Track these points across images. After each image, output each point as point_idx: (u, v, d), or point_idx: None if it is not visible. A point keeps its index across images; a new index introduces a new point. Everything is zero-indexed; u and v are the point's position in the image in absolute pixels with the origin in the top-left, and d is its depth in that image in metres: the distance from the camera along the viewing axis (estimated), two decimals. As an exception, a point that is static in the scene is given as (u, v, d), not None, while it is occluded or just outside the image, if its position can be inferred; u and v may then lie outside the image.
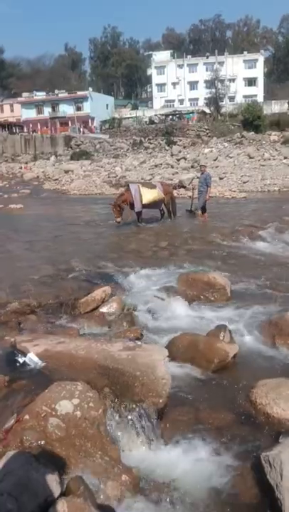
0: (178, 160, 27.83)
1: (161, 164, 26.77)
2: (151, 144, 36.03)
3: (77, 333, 3.88)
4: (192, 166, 24.75)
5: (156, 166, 26.78)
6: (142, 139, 37.07)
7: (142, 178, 21.94)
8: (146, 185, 10.45)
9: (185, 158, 28.27)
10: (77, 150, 37.32)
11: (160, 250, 7.52)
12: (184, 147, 33.35)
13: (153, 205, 10.07)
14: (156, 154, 32.20)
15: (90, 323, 4.27)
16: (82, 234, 9.16)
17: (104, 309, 4.51)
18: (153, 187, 10.10)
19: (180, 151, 31.29)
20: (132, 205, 9.78)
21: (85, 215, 12.28)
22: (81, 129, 45.17)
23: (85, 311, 4.48)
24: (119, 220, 9.57)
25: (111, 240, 8.57)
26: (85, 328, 4.14)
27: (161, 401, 2.75)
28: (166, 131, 36.88)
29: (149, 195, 9.81)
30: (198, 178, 11.42)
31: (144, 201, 9.76)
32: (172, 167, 25.48)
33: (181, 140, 34.96)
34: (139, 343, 3.41)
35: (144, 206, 9.87)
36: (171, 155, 30.56)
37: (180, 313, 4.58)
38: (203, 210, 10.61)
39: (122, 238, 8.63)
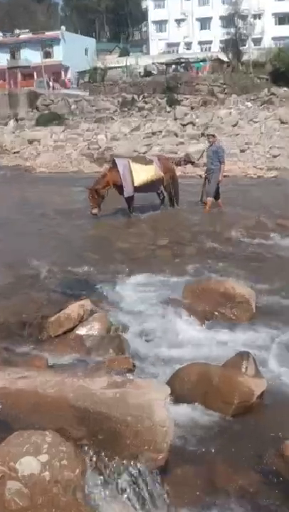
0: (183, 126, 27.96)
1: (160, 132, 26.88)
2: (146, 103, 36.15)
3: (46, 364, 3.92)
4: (203, 134, 24.54)
5: (153, 133, 26.94)
6: (135, 96, 37.13)
7: (134, 151, 21.87)
8: (140, 160, 10.53)
9: (193, 124, 28.39)
10: (46, 112, 37.20)
11: (159, 250, 7.60)
12: (192, 108, 33.41)
13: (149, 187, 10.15)
14: (154, 118, 32.30)
15: (62, 351, 4.32)
16: (54, 227, 9.25)
17: (82, 331, 4.57)
18: (148, 163, 10.18)
19: (186, 114, 31.36)
20: (119, 189, 9.84)
21: (56, 201, 12.38)
22: (51, 83, 45.10)
23: (56, 333, 4.54)
24: (95, 211, 9.64)
25: (92, 236, 8.66)
26: (57, 358, 4.20)
27: (161, 457, 2.78)
28: (167, 87, 37.00)
29: (143, 175, 9.88)
30: (205, 151, 11.41)
31: (137, 182, 9.82)
32: (176, 135, 25.58)
33: (188, 98, 35.05)
34: (130, 377, 3.46)
35: (137, 189, 9.93)
36: (175, 119, 30.60)
37: (187, 336, 4.65)
38: (217, 195, 10.58)
39: (107, 233, 8.70)
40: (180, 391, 3.54)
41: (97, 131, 29.93)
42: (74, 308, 4.74)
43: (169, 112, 33.62)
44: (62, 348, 4.37)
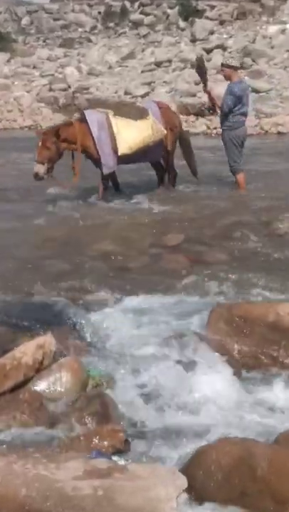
0: (207, 52, 26.71)
1: (169, 61, 26.10)
2: (146, 15, 34.91)
3: None
4: (240, 66, 23.75)
5: (158, 64, 26.17)
6: (127, 3, 35.99)
7: (125, 94, 21.35)
8: (126, 111, 9.98)
9: (224, 48, 27.34)
10: None
11: (167, 253, 7.45)
12: (222, 23, 32.21)
13: (143, 154, 9.83)
14: (160, 39, 31.38)
15: (8, 418, 4.10)
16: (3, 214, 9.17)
17: (41, 386, 4.39)
18: (141, 115, 9.73)
19: (212, 32, 30.45)
20: (93, 157, 9.62)
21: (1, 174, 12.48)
22: None
23: None
24: (40, 169, 9.23)
25: (60, 233, 8.47)
26: (0, 429, 4.01)
27: None
28: None
29: (133, 135, 9.48)
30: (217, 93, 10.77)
31: (124, 149, 9.46)
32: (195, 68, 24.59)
33: (214, 7, 33.58)
34: (120, 461, 3.41)
35: (124, 160, 9.67)
36: (193, 40, 29.86)
37: (213, 395, 4.42)
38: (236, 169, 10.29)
39: (84, 227, 8.58)
40: (204, 484, 3.38)
41: (64, 60, 29.11)
42: (28, 350, 4.50)
43: (183, 30, 32.61)
44: (7, 414, 4.12)
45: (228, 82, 9.96)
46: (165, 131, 9.77)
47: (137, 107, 10.50)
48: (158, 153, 10.07)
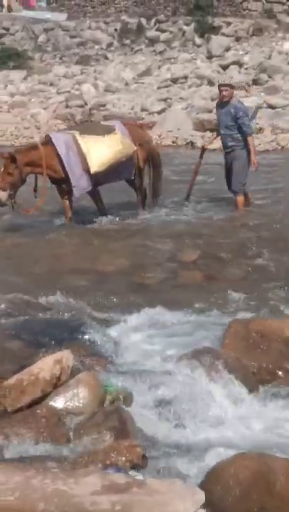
0: (223, 68, 26.99)
1: (185, 78, 26.07)
2: (163, 32, 34.76)
3: (0, 456, 3.79)
4: (254, 81, 24.21)
5: (174, 80, 26.17)
6: (143, 21, 35.84)
7: (141, 110, 21.31)
8: (92, 129, 9.70)
9: (240, 64, 27.46)
10: None
11: (183, 269, 7.45)
12: (237, 39, 32.22)
13: (116, 170, 9.40)
14: (176, 55, 31.33)
15: (26, 433, 4.09)
16: (11, 235, 9.12)
17: (58, 402, 4.37)
18: (108, 130, 9.39)
19: (228, 49, 30.47)
20: (60, 181, 9.22)
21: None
22: (5, 1, 44.06)
23: (14, 406, 4.31)
24: (4, 197, 8.70)
25: (74, 246, 8.55)
26: (17, 446, 3.97)
27: None
28: (196, 4, 35.57)
29: (104, 150, 9.08)
30: (218, 112, 10.42)
31: (97, 166, 9.03)
32: (211, 83, 24.46)
33: (230, 23, 33.67)
34: (138, 476, 3.39)
35: (99, 178, 9.28)
36: (209, 57, 29.90)
37: (230, 411, 4.45)
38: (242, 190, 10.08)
39: (98, 243, 8.59)
40: (222, 499, 3.38)
41: (80, 77, 29.07)
42: (45, 365, 4.49)
43: (199, 46, 32.55)
44: (25, 429, 4.11)
45: (231, 102, 9.72)
46: (135, 147, 9.47)
47: (102, 125, 10.05)
48: (131, 170, 9.75)
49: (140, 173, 9.89)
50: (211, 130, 15.65)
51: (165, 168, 10.43)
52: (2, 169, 8.70)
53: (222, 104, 9.93)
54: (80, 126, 11.15)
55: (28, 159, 8.87)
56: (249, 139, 9.74)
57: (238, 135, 9.71)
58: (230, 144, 9.80)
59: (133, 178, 9.88)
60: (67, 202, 9.35)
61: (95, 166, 8.96)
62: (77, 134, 9.23)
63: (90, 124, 11.59)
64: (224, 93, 9.81)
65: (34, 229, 9.29)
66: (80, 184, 9.10)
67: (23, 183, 8.97)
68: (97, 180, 9.27)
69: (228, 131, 9.78)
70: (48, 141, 9.25)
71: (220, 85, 10.23)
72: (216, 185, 10.57)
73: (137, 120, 19.11)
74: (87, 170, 9.00)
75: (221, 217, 9.76)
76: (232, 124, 9.70)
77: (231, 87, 10.00)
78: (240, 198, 9.96)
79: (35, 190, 9.21)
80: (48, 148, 9.02)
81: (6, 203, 8.76)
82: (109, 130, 9.33)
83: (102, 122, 10.99)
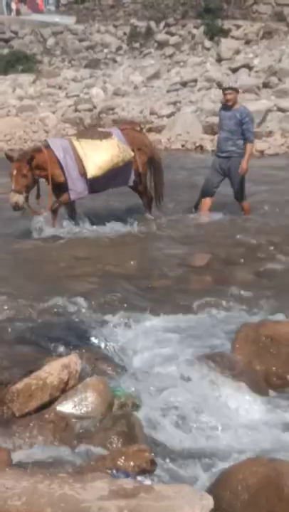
0: (233, 71, 26.90)
1: (195, 81, 25.98)
2: (172, 35, 34.44)
3: (7, 461, 3.75)
4: (265, 84, 24.03)
5: (183, 83, 26.07)
6: (152, 24, 35.66)
7: (150, 114, 21.43)
8: (88, 133, 9.75)
9: (249, 67, 27.27)
10: (6, 52, 36.04)
11: (194, 274, 7.43)
12: (247, 42, 31.94)
13: (114, 176, 9.34)
14: (185, 59, 31.16)
15: (34, 439, 4.11)
16: (17, 238, 9.07)
17: (66, 407, 4.37)
18: (105, 136, 9.35)
19: (238, 52, 30.22)
20: (59, 188, 9.16)
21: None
22: (13, 5, 43.85)
23: (23, 410, 4.32)
24: (17, 199, 8.49)
25: (82, 250, 8.49)
26: (25, 450, 4.00)
27: None
28: (205, 7, 35.38)
29: (101, 157, 9.05)
30: (222, 115, 10.32)
31: (94, 171, 9.01)
32: (220, 86, 24.10)
33: (240, 26, 33.35)
34: (146, 481, 3.40)
35: (96, 184, 9.23)
36: (219, 60, 29.75)
37: (241, 414, 4.45)
38: (241, 193, 10.00)
39: (108, 246, 8.58)
40: (230, 504, 3.37)
41: (89, 81, 28.91)
42: (53, 370, 4.50)
43: (208, 50, 32.27)
44: (33, 434, 4.14)
45: (234, 109, 9.70)
46: (132, 153, 9.39)
47: (99, 131, 10.01)
48: (129, 176, 9.69)
49: (141, 177, 9.82)
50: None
51: (174, 172, 10.41)
52: (15, 172, 8.55)
53: (226, 107, 9.92)
54: (77, 132, 10.99)
55: (36, 162, 8.79)
56: (249, 145, 9.74)
57: (240, 141, 9.67)
58: (230, 148, 9.74)
59: (132, 184, 9.81)
60: (55, 208, 9.24)
61: (92, 170, 8.93)
62: (73, 138, 9.28)
63: (88, 131, 11.53)
64: (228, 96, 9.80)
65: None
66: (77, 188, 9.03)
67: (35, 185, 8.91)
68: (94, 185, 9.20)
69: (230, 135, 9.74)
70: (46, 146, 9.15)
71: (224, 89, 10.27)
72: (224, 188, 10.52)
73: (145, 123, 19.15)
74: (84, 174, 8.97)
75: (231, 221, 9.77)
76: (236, 129, 9.66)
77: (236, 90, 10.02)
78: (246, 204, 9.96)
79: (37, 197, 9.09)
80: (49, 151, 8.95)
81: (24, 205, 8.65)
82: (106, 135, 9.30)
83: (100, 129, 10.88)
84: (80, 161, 8.96)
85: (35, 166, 8.75)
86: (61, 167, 8.93)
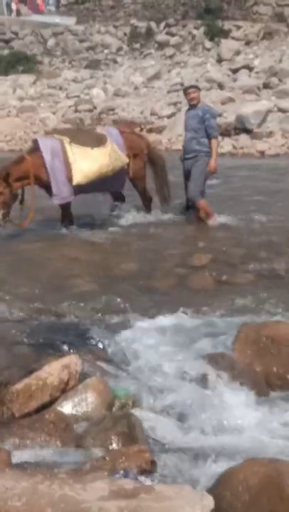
0: (233, 71, 27.19)
1: (196, 81, 25.88)
2: (172, 35, 34.75)
3: (7, 462, 3.74)
4: (265, 85, 24.17)
5: (184, 84, 25.90)
6: (153, 24, 35.86)
7: (151, 115, 21.34)
8: (83, 138, 9.36)
9: (250, 68, 27.51)
10: (6, 52, 36.31)
11: (194, 274, 7.40)
12: (248, 43, 32.23)
13: (101, 183, 9.15)
14: (185, 59, 31.43)
15: (34, 438, 4.11)
16: (19, 240, 9.12)
17: (66, 407, 4.39)
18: (99, 142, 9.10)
19: (238, 53, 30.48)
20: (45, 186, 9.09)
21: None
22: (14, 6, 43.99)
23: (22, 411, 4.32)
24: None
25: (84, 251, 8.53)
26: (25, 451, 3.99)
27: None
28: (206, 8, 35.60)
29: (89, 165, 8.87)
30: (186, 115, 10.25)
31: (80, 178, 8.85)
32: (221, 87, 24.86)
33: (240, 27, 33.68)
34: (147, 481, 3.40)
35: (80, 190, 9.10)
36: (219, 60, 29.99)
37: (241, 415, 4.42)
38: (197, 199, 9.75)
39: (107, 247, 8.59)
40: (231, 505, 3.36)
41: (90, 82, 29.24)
42: (53, 370, 4.50)
43: (209, 50, 32.63)
44: (33, 435, 4.12)
45: (198, 107, 9.64)
46: (127, 160, 9.25)
47: (94, 134, 9.72)
48: (118, 184, 9.59)
49: (135, 182, 9.77)
50: (221, 134, 15.59)
51: (174, 172, 10.38)
52: None
53: (191, 107, 9.85)
54: (72, 132, 10.49)
55: (17, 175, 8.69)
56: (214, 141, 9.61)
57: (205, 139, 9.57)
58: (195, 147, 9.61)
59: (120, 190, 9.75)
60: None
61: (78, 178, 8.79)
62: (66, 141, 8.99)
63: (83, 132, 11.06)
64: (192, 95, 9.73)
65: (41, 235, 9.31)
66: (62, 193, 8.93)
67: (16, 199, 8.86)
68: (80, 191, 9.08)
69: (194, 134, 9.64)
70: (34, 148, 9.06)
71: (186, 88, 10.33)
72: (224, 188, 10.54)
73: (146, 124, 19.14)
74: (70, 179, 8.84)
75: (231, 221, 9.75)
76: (199, 127, 9.57)
77: (198, 89, 10.03)
78: (203, 202, 9.64)
79: (21, 203, 9.03)
80: (34, 156, 8.86)
81: (1, 223, 8.63)
82: (100, 141, 9.07)
83: (98, 129, 10.78)
84: (68, 165, 8.80)
85: (15, 179, 8.65)
86: (45, 169, 8.77)
